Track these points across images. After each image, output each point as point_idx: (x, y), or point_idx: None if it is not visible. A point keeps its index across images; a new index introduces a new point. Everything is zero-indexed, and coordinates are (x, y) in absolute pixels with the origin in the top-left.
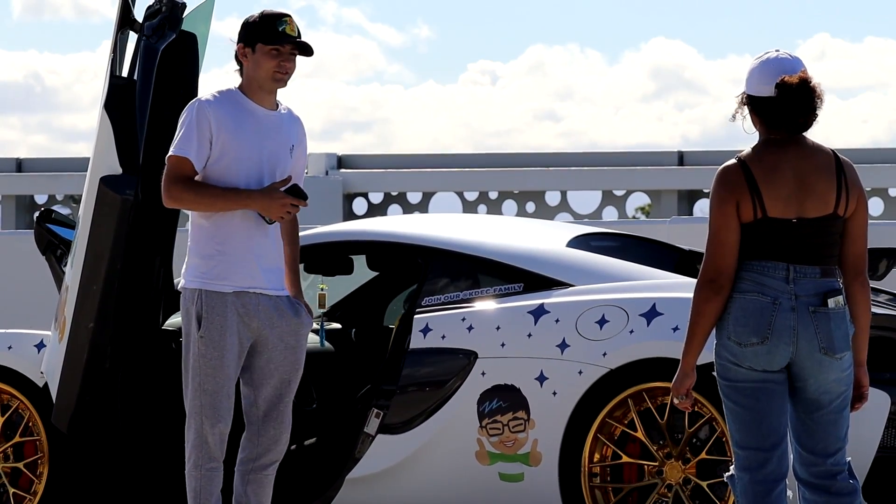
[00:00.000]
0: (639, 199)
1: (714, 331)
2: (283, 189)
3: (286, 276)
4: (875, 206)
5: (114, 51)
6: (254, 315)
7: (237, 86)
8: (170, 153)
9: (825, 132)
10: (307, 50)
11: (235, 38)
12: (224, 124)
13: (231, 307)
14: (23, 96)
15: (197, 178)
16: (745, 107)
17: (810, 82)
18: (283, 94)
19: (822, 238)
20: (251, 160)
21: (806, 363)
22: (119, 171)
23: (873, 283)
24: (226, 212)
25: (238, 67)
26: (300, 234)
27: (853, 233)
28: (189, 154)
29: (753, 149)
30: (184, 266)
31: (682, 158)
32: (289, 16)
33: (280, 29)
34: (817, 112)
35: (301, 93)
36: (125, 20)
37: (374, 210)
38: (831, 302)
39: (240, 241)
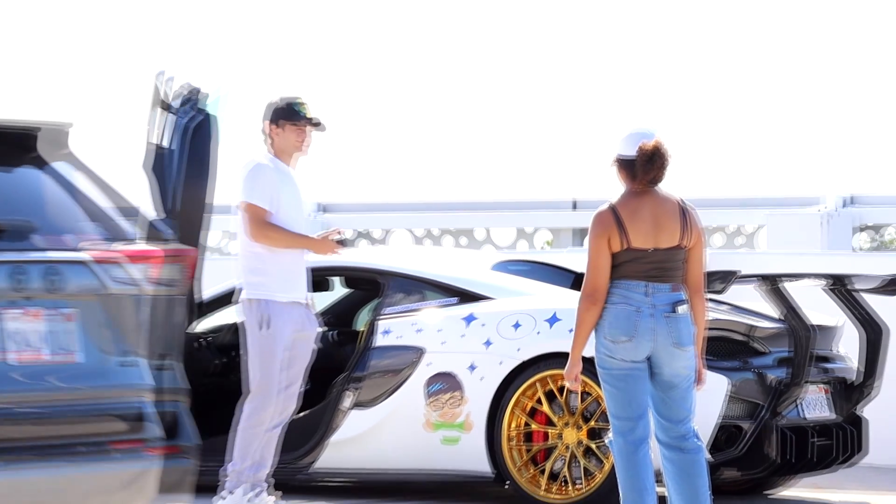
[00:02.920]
0: (544, 235)
1: (594, 332)
2: (335, 239)
3: None
4: (718, 239)
5: (150, 123)
6: (296, 321)
7: (273, 154)
8: (253, 202)
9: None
10: (321, 126)
11: (262, 118)
12: (278, 181)
13: (286, 314)
14: None
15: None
16: (615, 164)
17: (661, 148)
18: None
19: (671, 263)
20: (293, 207)
21: (662, 354)
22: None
23: (717, 297)
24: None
25: (266, 139)
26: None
27: (694, 260)
28: (265, 203)
29: (620, 197)
30: (245, 282)
31: (575, 205)
32: (302, 99)
33: (299, 111)
34: (664, 171)
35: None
36: (157, 101)
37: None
38: (679, 309)
39: (295, 265)
